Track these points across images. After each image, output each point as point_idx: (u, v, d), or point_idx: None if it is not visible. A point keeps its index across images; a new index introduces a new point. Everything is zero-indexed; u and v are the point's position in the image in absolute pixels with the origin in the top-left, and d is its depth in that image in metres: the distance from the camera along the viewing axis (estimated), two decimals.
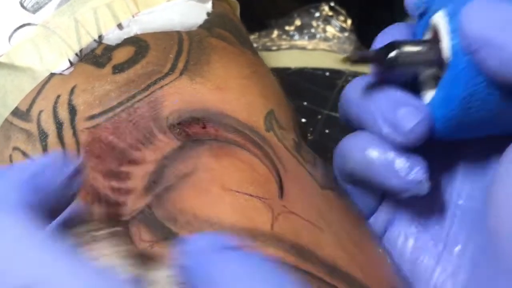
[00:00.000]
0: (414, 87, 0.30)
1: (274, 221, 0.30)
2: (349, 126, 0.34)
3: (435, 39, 0.28)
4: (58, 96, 0.33)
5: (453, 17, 0.27)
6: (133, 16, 0.34)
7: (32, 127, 0.33)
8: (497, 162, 0.29)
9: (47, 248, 0.23)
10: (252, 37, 0.57)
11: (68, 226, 0.28)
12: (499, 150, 0.29)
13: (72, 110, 0.32)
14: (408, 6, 0.31)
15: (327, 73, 0.56)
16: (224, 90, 0.33)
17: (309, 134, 0.53)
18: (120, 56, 0.33)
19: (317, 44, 0.58)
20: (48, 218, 0.25)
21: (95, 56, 0.33)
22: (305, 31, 0.58)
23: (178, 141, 0.31)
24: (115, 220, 0.30)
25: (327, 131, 0.54)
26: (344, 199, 0.34)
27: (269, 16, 0.58)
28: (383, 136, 0.31)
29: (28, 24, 0.34)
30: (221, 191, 0.30)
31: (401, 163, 0.30)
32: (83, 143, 0.32)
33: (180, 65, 0.33)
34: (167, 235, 0.30)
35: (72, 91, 0.33)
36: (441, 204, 0.33)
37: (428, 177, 0.30)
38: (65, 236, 0.26)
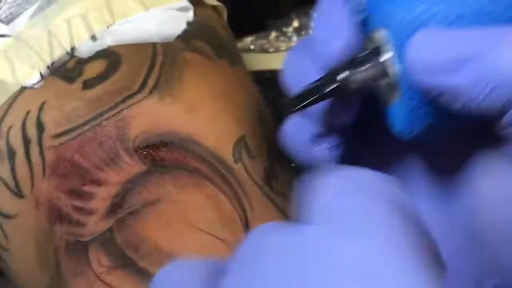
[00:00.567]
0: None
1: None
2: None
3: (376, 51, 0.26)
4: (28, 112, 0.32)
5: (397, 42, 0.25)
6: (107, 27, 0.33)
7: (1, 143, 0.33)
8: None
9: None
10: (249, 38, 0.56)
11: None
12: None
13: (40, 127, 0.32)
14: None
15: None
16: (195, 113, 0.32)
17: None
18: (91, 70, 0.33)
19: None
20: None
21: (67, 70, 0.33)
22: (303, 32, 0.56)
23: (144, 165, 0.31)
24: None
25: None
26: None
27: (267, 17, 0.57)
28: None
29: (2, 35, 0.34)
30: (185, 227, 0.30)
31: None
32: (49, 161, 0.32)
33: (151, 82, 0.33)
34: (126, 263, 0.30)
35: (41, 107, 0.32)
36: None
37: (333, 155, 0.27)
38: None
